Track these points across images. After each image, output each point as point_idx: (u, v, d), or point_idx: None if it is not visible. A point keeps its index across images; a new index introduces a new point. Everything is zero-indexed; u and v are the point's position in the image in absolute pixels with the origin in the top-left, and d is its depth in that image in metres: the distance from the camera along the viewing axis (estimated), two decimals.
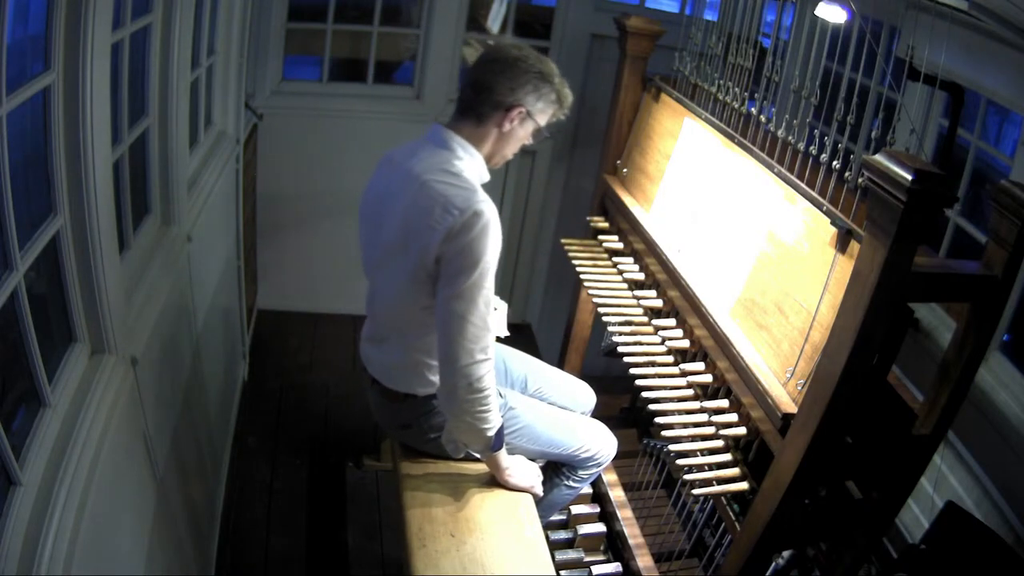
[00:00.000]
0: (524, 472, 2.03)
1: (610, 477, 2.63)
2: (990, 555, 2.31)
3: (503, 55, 1.78)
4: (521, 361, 2.31)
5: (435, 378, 1.89)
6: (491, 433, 1.82)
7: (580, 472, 2.20)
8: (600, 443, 2.18)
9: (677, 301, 2.33)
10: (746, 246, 2.12)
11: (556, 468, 2.21)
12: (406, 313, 1.85)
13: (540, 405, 2.16)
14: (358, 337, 2.07)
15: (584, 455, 2.16)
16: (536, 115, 1.81)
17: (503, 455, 1.95)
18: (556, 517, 2.48)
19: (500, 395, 2.05)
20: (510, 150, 1.87)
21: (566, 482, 2.21)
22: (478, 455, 1.98)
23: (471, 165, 1.79)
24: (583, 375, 2.54)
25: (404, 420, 2.01)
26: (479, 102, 1.78)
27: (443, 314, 1.71)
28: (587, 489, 2.61)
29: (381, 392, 1.98)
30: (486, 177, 1.83)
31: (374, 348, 1.98)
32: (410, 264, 1.74)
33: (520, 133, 1.83)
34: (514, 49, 1.79)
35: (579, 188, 4.35)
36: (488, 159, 1.85)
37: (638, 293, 2.50)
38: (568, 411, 2.24)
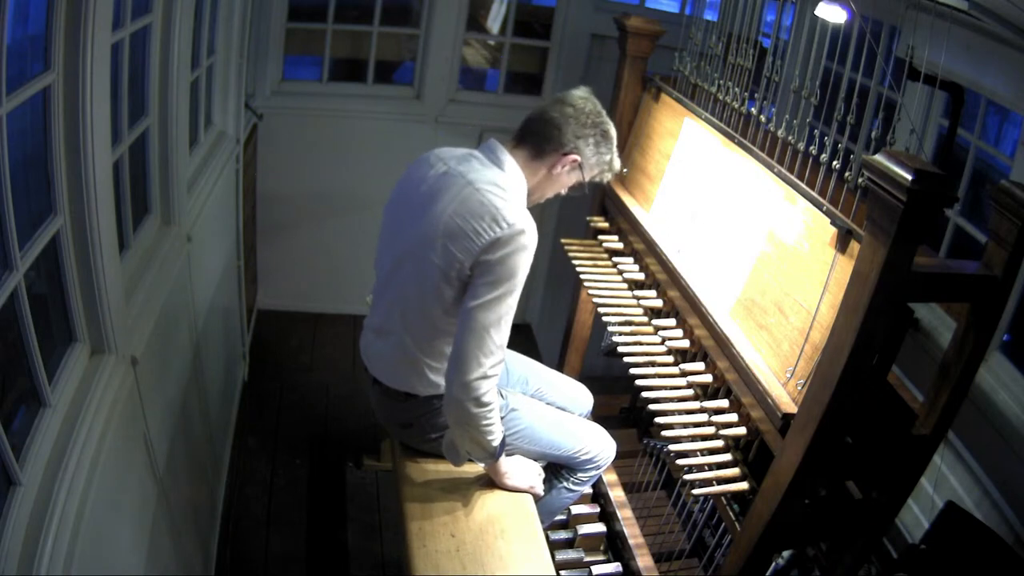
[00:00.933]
0: (523, 472, 2.03)
1: (610, 477, 2.63)
2: (990, 555, 2.31)
3: (582, 105, 1.85)
4: (522, 362, 2.31)
5: (435, 378, 1.89)
6: (496, 444, 1.83)
7: (579, 474, 2.20)
8: (600, 445, 2.18)
9: (677, 301, 2.33)
10: (746, 246, 2.12)
11: (556, 471, 2.21)
12: (423, 310, 1.83)
13: (541, 407, 2.16)
14: (358, 337, 2.06)
15: (584, 457, 2.16)
16: (586, 169, 1.88)
17: (503, 460, 1.95)
18: (556, 517, 2.48)
19: (502, 395, 2.05)
20: (549, 192, 1.93)
21: (566, 484, 2.21)
22: (479, 462, 1.98)
23: (517, 188, 1.83)
24: (583, 375, 2.55)
25: (405, 419, 2.01)
26: (543, 138, 1.84)
27: (467, 321, 1.71)
28: (587, 489, 2.61)
29: (382, 391, 1.98)
30: (523, 205, 1.85)
31: (378, 340, 1.96)
32: (444, 263, 1.74)
33: (564, 180, 1.90)
34: (590, 103, 1.87)
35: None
36: (531, 193, 1.89)
37: (638, 293, 2.50)
38: (568, 413, 2.25)
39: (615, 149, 1.93)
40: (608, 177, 1.98)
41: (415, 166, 1.91)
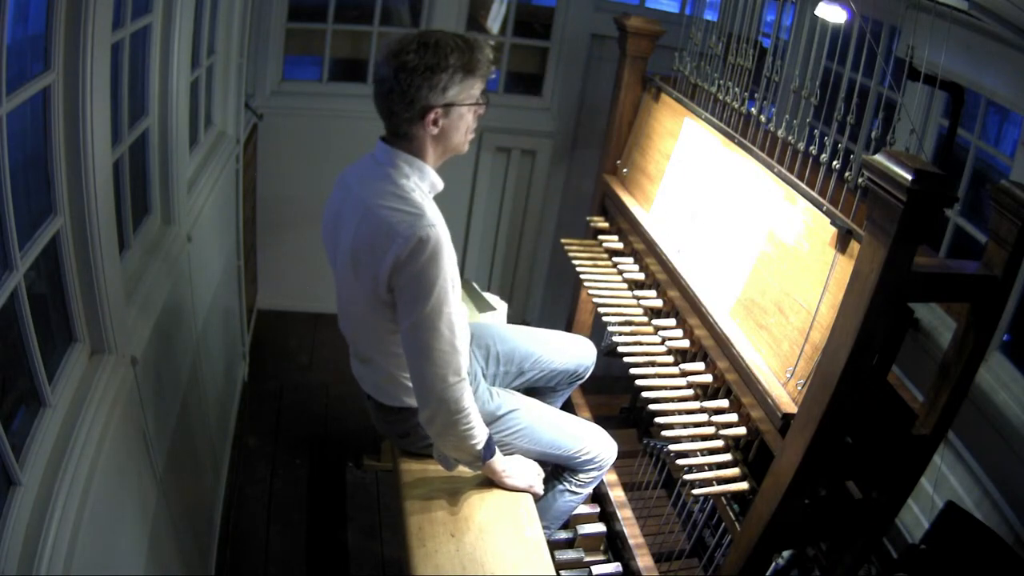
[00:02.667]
0: (522, 472, 2.03)
1: (610, 477, 2.63)
2: (990, 555, 2.31)
3: (384, 73, 1.65)
4: (515, 336, 2.27)
5: None
6: (479, 447, 1.82)
7: (581, 475, 2.20)
8: (600, 446, 2.18)
9: (677, 301, 2.33)
10: (746, 246, 2.12)
11: (557, 473, 2.21)
12: (373, 334, 1.84)
13: (541, 407, 2.16)
14: (350, 348, 2.08)
15: (584, 457, 2.15)
16: (456, 100, 1.68)
17: (498, 460, 1.94)
18: (560, 522, 2.47)
19: (497, 395, 2.06)
20: (459, 137, 1.76)
21: (568, 487, 2.21)
22: (469, 468, 1.98)
23: (420, 179, 1.73)
24: None
25: (401, 430, 2.02)
26: (394, 125, 1.71)
27: (408, 344, 1.69)
28: (589, 492, 2.61)
29: (376, 406, 2.00)
30: (439, 186, 1.77)
31: (361, 366, 1.99)
32: (365, 291, 1.73)
33: (455, 123, 1.71)
34: (392, 59, 1.63)
35: (579, 188, 4.35)
36: (443, 157, 1.78)
37: (638, 293, 2.50)
38: (568, 414, 2.25)
39: (455, 60, 1.64)
40: (487, 73, 1.71)
41: (333, 192, 1.89)
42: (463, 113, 1.71)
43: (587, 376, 2.39)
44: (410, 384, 1.86)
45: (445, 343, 1.67)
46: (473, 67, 1.68)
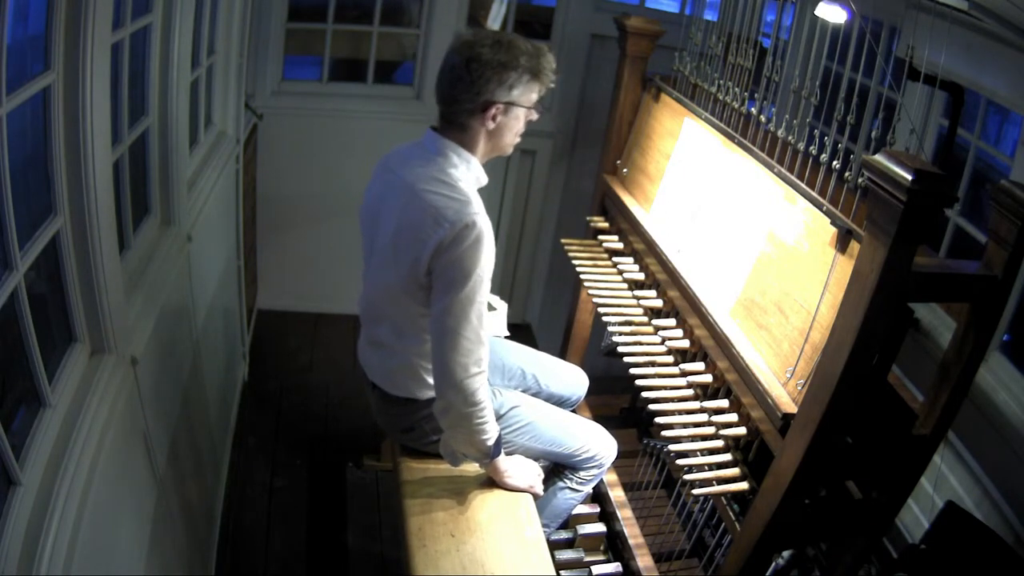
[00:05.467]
0: (523, 472, 2.03)
1: (610, 477, 2.63)
2: (990, 555, 2.31)
3: (456, 60, 1.70)
4: (515, 353, 2.32)
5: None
6: (490, 443, 1.83)
7: (581, 473, 2.20)
8: (601, 445, 2.19)
9: (677, 301, 2.33)
10: (746, 246, 2.11)
11: (558, 472, 2.21)
12: (401, 319, 1.85)
13: (542, 405, 2.17)
14: (358, 337, 2.07)
15: (585, 455, 2.16)
16: (517, 101, 1.75)
17: (501, 459, 1.95)
18: (560, 521, 2.47)
19: (500, 394, 2.06)
20: (509, 138, 1.82)
21: (569, 485, 2.21)
22: (476, 463, 1.99)
23: (467, 171, 1.77)
24: None
25: (405, 424, 2.01)
26: (453, 113, 1.75)
27: (436, 328, 1.71)
28: (589, 491, 2.61)
29: (381, 397, 1.99)
30: (484, 180, 1.81)
31: (373, 352, 1.98)
32: (402, 273, 1.74)
33: (510, 122, 1.78)
34: (466, 49, 1.70)
35: (579, 188, 4.35)
36: (490, 155, 1.83)
37: (638, 293, 2.50)
38: (569, 412, 2.25)
39: (525, 62, 1.71)
40: (551, 83, 1.79)
41: (373, 178, 1.90)
42: (519, 115, 1.78)
43: (575, 407, 2.42)
44: (424, 375, 1.87)
45: (472, 332, 1.69)
46: (539, 72, 1.75)
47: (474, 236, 1.64)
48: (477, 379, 1.72)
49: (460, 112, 1.74)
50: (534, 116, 1.83)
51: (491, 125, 1.75)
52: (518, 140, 1.86)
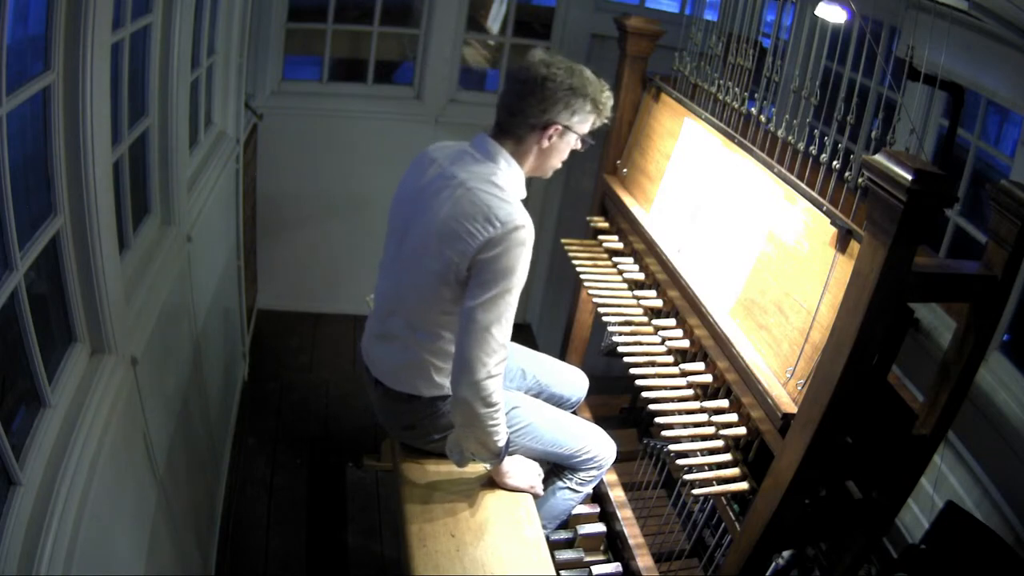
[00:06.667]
0: (523, 472, 2.03)
1: (610, 477, 2.63)
2: (990, 555, 2.31)
3: (531, 75, 1.77)
4: (517, 354, 2.33)
5: (440, 380, 1.89)
6: (500, 444, 1.84)
7: (581, 474, 2.21)
8: (601, 446, 2.19)
9: (677, 301, 2.33)
10: (746, 246, 2.12)
11: (558, 472, 2.21)
12: (425, 313, 1.85)
13: (543, 405, 2.17)
14: (358, 337, 2.07)
15: (585, 456, 2.16)
16: (574, 127, 1.83)
17: (504, 460, 1.95)
18: (559, 521, 2.47)
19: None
20: (555, 161, 1.89)
21: (569, 485, 2.21)
22: (484, 463, 1.99)
23: (513, 180, 1.81)
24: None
25: (408, 421, 2.01)
26: (514, 124, 1.80)
27: (467, 323, 1.71)
28: (588, 491, 2.61)
29: (384, 393, 1.98)
30: (523, 194, 1.85)
31: (381, 346, 1.97)
32: (440, 266, 1.74)
33: (562, 146, 1.86)
34: (542, 67, 1.77)
35: (579, 188, 4.35)
36: (533, 172, 1.88)
37: (638, 293, 2.50)
38: (568, 413, 2.25)
39: (592, 91, 1.82)
40: (607, 118, 1.89)
41: (412, 167, 1.92)
42: (571, 142, 1.86)
43: (576, 408, 2.43)
44: (432, 373, 1.88)
45: (501, 333, 1.71)
46: (599, 107, 1.85)
47: (520, 238, 1.69)
48: (495, 381, 1.73)
49: (522, 125, 1.80)
50: (580, 146, 1.89)
51: (546, 144, 1.82)
52: (560, 166, 1.93)
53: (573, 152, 1.91)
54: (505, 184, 1.78)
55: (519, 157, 1.83)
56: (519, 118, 1.79)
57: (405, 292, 1.88)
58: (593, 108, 1.83)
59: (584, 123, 1.85)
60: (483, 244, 1.68)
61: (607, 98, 1.86)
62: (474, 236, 1.69)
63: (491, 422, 1.77)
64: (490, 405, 1.74)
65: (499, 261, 1.68)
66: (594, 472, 2.22)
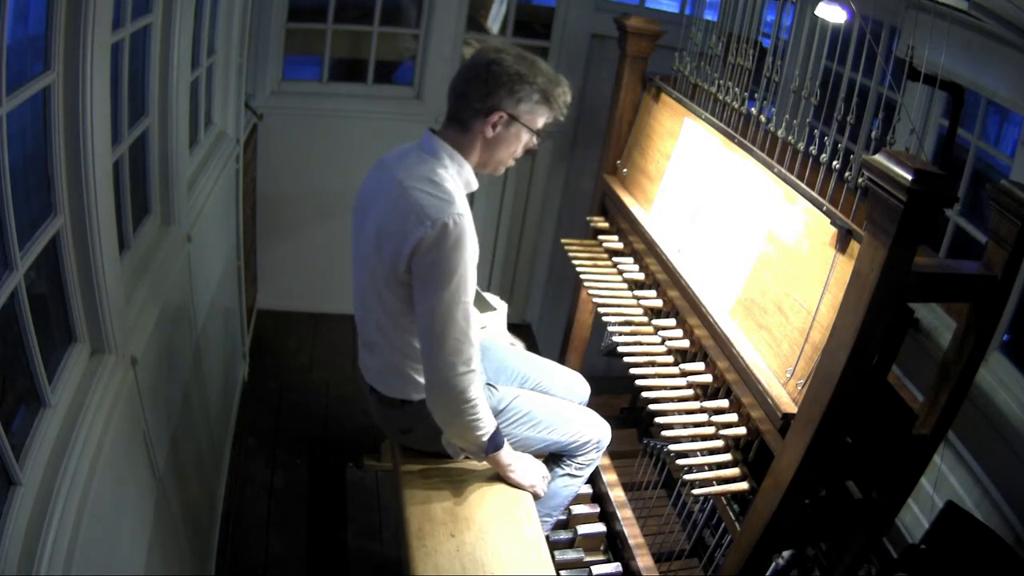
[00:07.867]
0: (528, 470, 2.04)
1: (610, 477, 2.63)
2: (990, 555, 2.31)
3: (478, 60, 1.76)
4: (519, 359, 2.34)
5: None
6: (485, 438, 1.84)
7: (580, 459, 2.22)
8: (596, 429, 2.22)
9: (677, 301, 2.33)
10: (746, 246, 2.12)
11: (555, 460, 2.24)
12: (384, 316, 1.85)
13: (538, 395, 2.20)
14: (358, 337, 2.07)
15: (582, 439, 2.19)
16: (521, 117, 1.78)
17: (505, 453, 1.96)
18: (558, 512, 2.47)
19: (498, 390, 2.08)
20: (504, 155, 1.84)
21: (568, 471, 2.23)
22: (473, 457, 2.00)
23: (456, 173, 1.78)
24: (583, 375, 2.55)
25: (403, 425, 2.02)
26: (459, 108, 1.78)
27: (422, 328, 1.71)
28: (587, 489, 2.61)
29: (379, 399, 2.00)
30: (474, 185, 1.82)
31: (367, 353, 2.00)
32: (384, 268, 1.75)
33: (509, 138, 1.80)
34: (492, 52, 1.75)
35: (579, 188, 4.35)
36: (482, 166, 1.84)
37: (638, 293, 2.50)
38: (563, 400, 2.28)
39: (541, 83, 1.76)
40: (560, 114, 1.83)
41: (369, 174, 1.92)
42: (520, 133, 1.80)
43: None
44: (414, 375, 1.88)
45: (459, 331, 1.69)
46: (550, 98, 1.79)
47: (454, 236, 1.65)
48: (466, 377, 1.72)
49: (466, 109, 1.76)
50: (533, 142, 1.85)
51: (490, 133, 1.77)
52: (512, 163, 1.89)
53: (532, 152, 1.88)
54: (444, 179, 1.74)
55: (465, 149, 1.80)
56: (463, 102, 1.76)
57: (367, 297, 1.89)
58: (543, 99, 1.77)
59: (532, 114, 1.79)
60: (416, 244, 1.66)
61: (561, 93, 1.80)
62: (406, 236, 1.67)
63: (469, 417, 1.77)
64: (464, 401, 1.74)
65: (437, 263, 1.66)
66: (592, 455, 2.23)
